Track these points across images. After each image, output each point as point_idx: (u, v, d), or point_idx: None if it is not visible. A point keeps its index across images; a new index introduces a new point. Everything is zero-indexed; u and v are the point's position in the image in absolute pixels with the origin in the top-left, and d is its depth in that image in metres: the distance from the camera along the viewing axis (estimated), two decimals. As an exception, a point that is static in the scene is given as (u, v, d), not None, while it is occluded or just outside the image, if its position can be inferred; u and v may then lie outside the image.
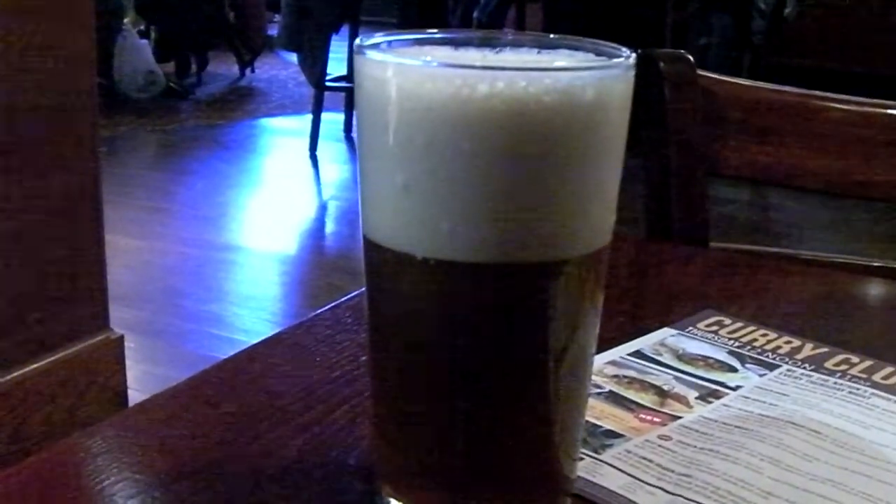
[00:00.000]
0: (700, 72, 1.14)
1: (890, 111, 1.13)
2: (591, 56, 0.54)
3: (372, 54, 0.53)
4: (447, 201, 0.50)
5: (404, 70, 0.51)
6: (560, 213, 0.51)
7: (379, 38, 0.55)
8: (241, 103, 6.81)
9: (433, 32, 0.56)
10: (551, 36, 0.56)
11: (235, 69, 7.37)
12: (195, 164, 5.61)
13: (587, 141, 0.51)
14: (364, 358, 0.74)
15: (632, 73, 0.53)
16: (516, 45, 0.56)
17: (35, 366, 2.27)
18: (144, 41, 6.69)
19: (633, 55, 0.53)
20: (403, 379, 0.55)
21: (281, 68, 7.50)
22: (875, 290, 1.02)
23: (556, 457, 0.56)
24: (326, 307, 0.85)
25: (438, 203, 0.50)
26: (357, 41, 0.53)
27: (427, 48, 0.56)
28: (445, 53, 0.55)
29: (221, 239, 4.19)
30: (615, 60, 0.53)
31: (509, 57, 0.56)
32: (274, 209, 4.73)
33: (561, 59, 0.55)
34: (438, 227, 0.50)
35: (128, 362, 2.51)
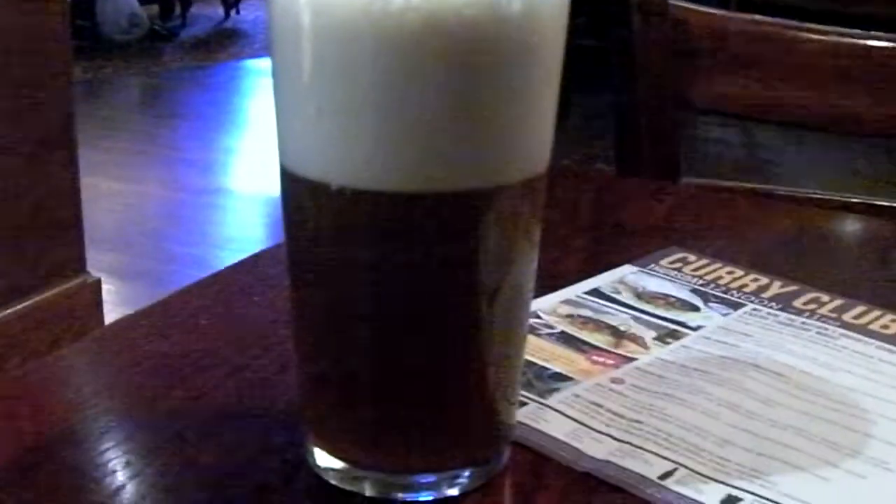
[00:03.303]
0: (671, 1, 1.10)
1: (867, 42, 1.09)
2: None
3: (284, -33, 0.48)
4: (362, 125, 0.45)
5: (317, -17, 0.47)
6: (486, 138, 0.47)
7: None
8: (226, 45, 6.72)
9: None
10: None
11: (220, 11, 7.28)
12: (179, 106, 5.56)
13: (515, 58, 0.46)
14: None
15: (567, -15, 0.48)
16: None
17: (10, 310, 2.24)
18: (127, -17, 6.61)
19: (570, -35, 0.48)
20: (323, 319, 0.51)
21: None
22: (851, 226, 0.98)
23: (491, 401, 0.52)
24: (271, 245, 0.81)
25: (353, 127, 0.46)
26: (270, -45, 0.49)
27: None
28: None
29: (204, 181, 4.14)
30: (549, -30, 0.48)
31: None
32: (257, 152, 4.67)
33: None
34: (353, 153, 0.46)
35: (107, 306, 2.49)
